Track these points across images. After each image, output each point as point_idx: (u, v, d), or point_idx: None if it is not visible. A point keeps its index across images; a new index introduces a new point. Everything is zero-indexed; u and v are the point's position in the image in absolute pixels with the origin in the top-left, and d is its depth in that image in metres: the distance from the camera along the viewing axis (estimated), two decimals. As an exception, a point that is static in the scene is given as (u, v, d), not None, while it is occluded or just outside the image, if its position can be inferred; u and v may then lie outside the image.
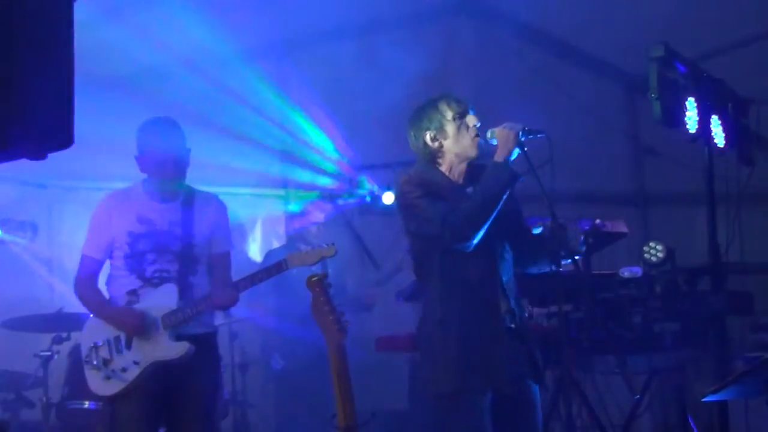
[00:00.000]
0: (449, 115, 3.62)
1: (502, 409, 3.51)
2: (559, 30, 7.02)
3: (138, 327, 4.08)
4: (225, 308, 4.39)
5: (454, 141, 3.61)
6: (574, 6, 6.43)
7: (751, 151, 5.31)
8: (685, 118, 4.69)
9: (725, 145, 5.03)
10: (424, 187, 3.54)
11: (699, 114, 4.77)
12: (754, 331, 5.88)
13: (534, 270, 3.84)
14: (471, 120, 3.63)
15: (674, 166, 6.81)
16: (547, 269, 3.81)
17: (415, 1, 6.83)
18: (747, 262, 5.74)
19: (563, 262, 3.74)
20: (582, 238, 3.70)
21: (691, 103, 4.71)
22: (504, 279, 3.59)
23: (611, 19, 6.37)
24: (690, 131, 4.75)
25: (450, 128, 3.61)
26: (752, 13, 5.96)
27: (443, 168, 3.65)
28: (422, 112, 3.69)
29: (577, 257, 3.71)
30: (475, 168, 3.64)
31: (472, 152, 3.62)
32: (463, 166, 3.65)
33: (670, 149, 6.52)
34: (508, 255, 3.66)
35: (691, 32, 5.71)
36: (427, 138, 3.64)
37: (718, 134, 4.96)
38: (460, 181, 3.65)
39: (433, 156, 3.65)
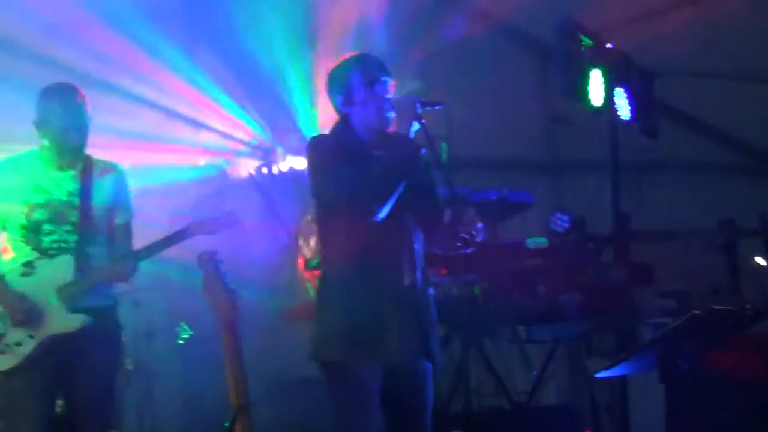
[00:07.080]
0: (357, 81, 3.47)
1: (392, 386, 3.42)
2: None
3: (19, 319, 3.97)
4: (124, 280, 4.28)
5: (360, 110, 3.47)
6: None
7: (655, 124, 5.40)
8: (589, 91, 4.74)
9: (630, 117, 5.10)
10: (334, 150, 3.40)
11: (604, 86, 4.82)
12: (658, 297, 6.01)
13: (435, 249, 3.63)
14: (381, 89, 3.46)
15: (585, 136, 6.88)
16: (444, 251, 3.63)
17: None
18: (649, 230, 5.87)
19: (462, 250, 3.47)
20: (480, 225, 3.50)
21: (595, 76, 4.76)
22: (415, 248, 3.48)
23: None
24: (594, 104, 4.81)
25: (357, 96, 3.47)
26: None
27: (357, 130, 3.50)
28: (333, 75, 3.56)
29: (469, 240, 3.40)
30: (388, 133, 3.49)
31: (377, 125, 3.46)
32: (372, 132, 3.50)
33: (581, 119, 6.57)
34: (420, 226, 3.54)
35: (597, 4, 5.73)
36: (338, 103, 3.52)
37: (623, 107, 5.03)
38: (372, 143, 3.48)
39: (346, 119, 3.52)
